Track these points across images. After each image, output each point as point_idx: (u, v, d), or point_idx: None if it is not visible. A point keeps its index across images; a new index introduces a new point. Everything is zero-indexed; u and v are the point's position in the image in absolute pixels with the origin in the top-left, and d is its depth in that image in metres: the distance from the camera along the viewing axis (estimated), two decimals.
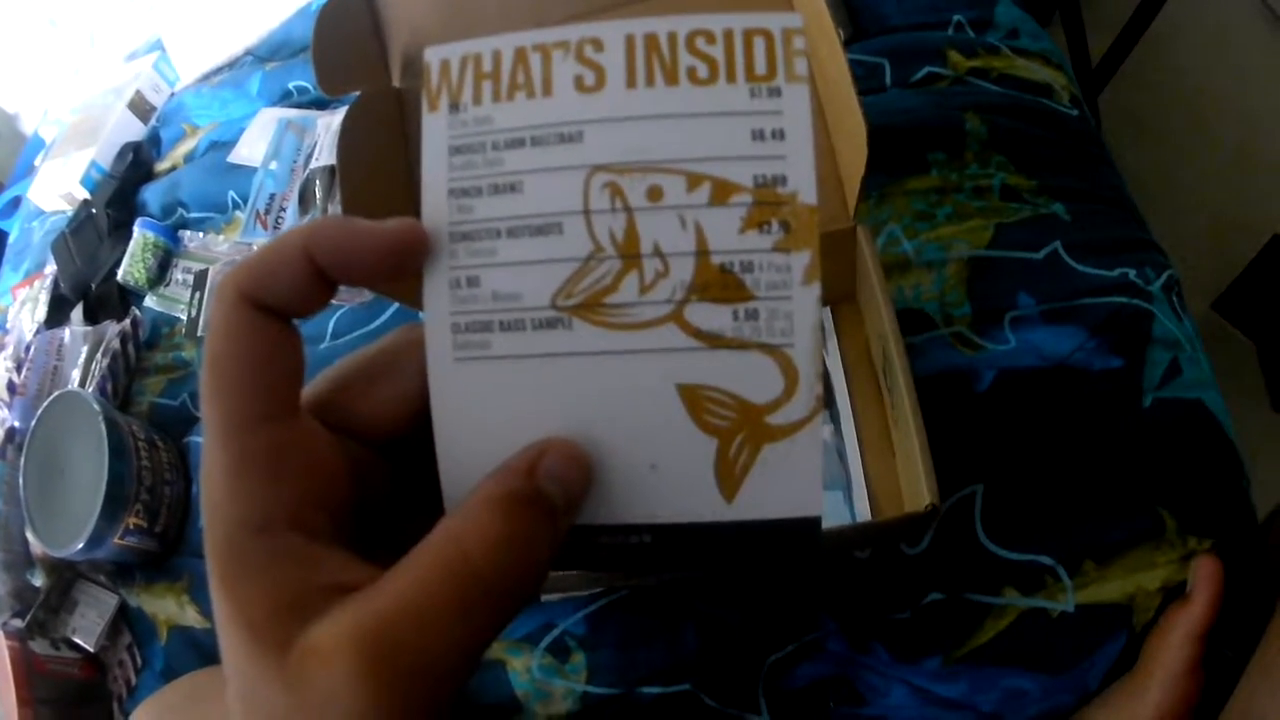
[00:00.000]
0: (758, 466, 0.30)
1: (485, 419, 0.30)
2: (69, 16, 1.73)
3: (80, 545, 0.95)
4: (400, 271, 0.30)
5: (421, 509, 0.30)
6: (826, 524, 0.69)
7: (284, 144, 1.23)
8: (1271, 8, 1.88)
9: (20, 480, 1.01)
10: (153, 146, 1.45)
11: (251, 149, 1.27)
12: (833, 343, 0.77)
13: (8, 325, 1.36)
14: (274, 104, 1.33)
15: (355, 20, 0.81)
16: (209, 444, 0.28)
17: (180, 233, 1.26)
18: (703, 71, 0.29)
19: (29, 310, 1.33)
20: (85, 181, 1.40)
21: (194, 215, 1.29)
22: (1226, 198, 1.72)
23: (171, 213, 1.31)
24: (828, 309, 0.79)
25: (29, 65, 1.80)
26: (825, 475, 0.72)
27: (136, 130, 1.47)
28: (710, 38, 0.29)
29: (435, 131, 0.31)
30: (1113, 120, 1.67)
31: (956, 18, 0.98)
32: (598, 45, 0.30)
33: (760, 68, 0.29)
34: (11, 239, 1.58)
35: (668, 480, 0.30)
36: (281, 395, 0.29)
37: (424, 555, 0.26)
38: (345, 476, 0.30)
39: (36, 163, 1.57)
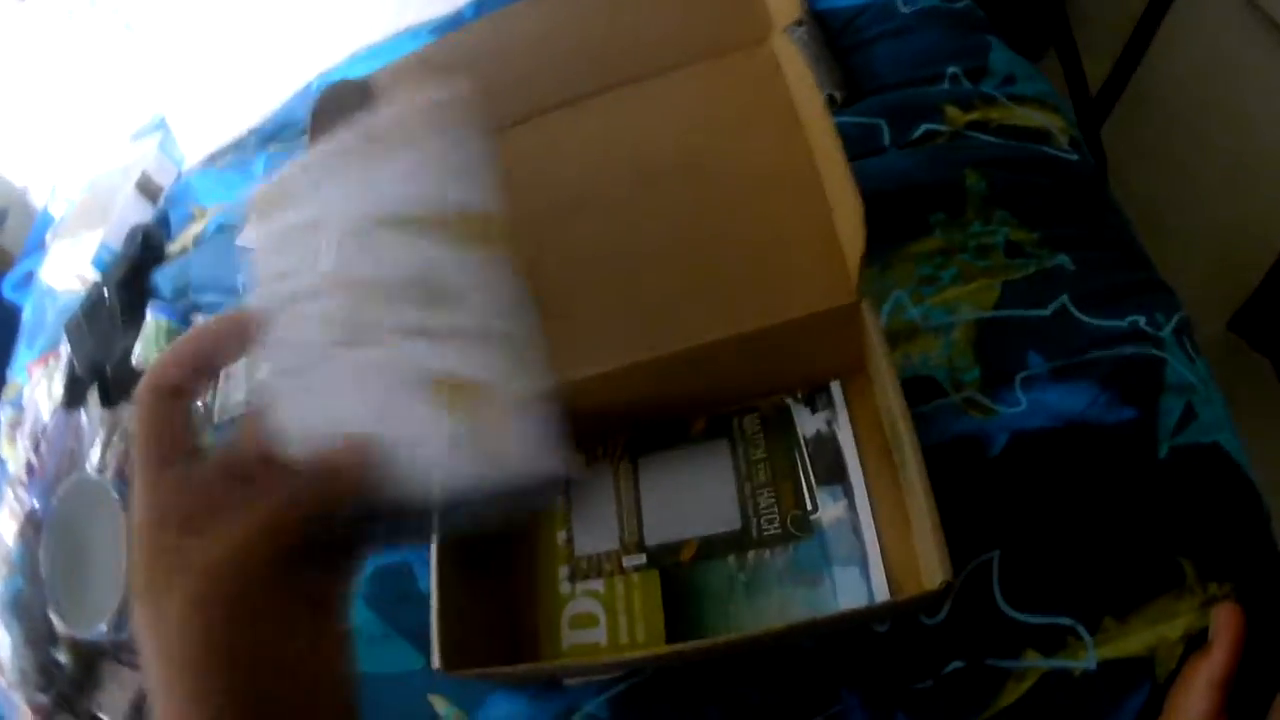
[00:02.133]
0: (497, 432, 0.39)
1: (311, 426, 0.42)
2: (72, 93, 1.74)
3: (103, 628, 0.95)
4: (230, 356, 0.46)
5: None
6: (845, 602, 0.70)
7: None
8: (1272, 18, 1.87)
9: (41, 561, 1.02)
10: (163, 228, 1.46)
11: None
12: (844, 416, 0.76)
13: (24, 403, 1.38)
14: None
15: (352, 113, 0.82)
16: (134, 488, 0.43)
17: (192, 317, 1.27)
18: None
19: (44, 388, 1.35)
20: (96, 263, 1.41)
21: (206, 299, 1.29)
22: (1235, 214, 1.71)
23: (183, 295, 1.31)
24: (837, 382, 0.78)
25: (37, 141, 1.81)
26: (840, 552, 0.72)
27: (144, 211, 1.48)
28: None
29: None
30: (1115, 144, 1.67)
31: (951, 69, 0.98)
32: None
33: None
34: (26, 316, 1.59)
35: (430, 453, 0.41)
36: (181, 442, 0.43)
37: (238, 521, 0.41)
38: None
39: (47, 239, 1.58)
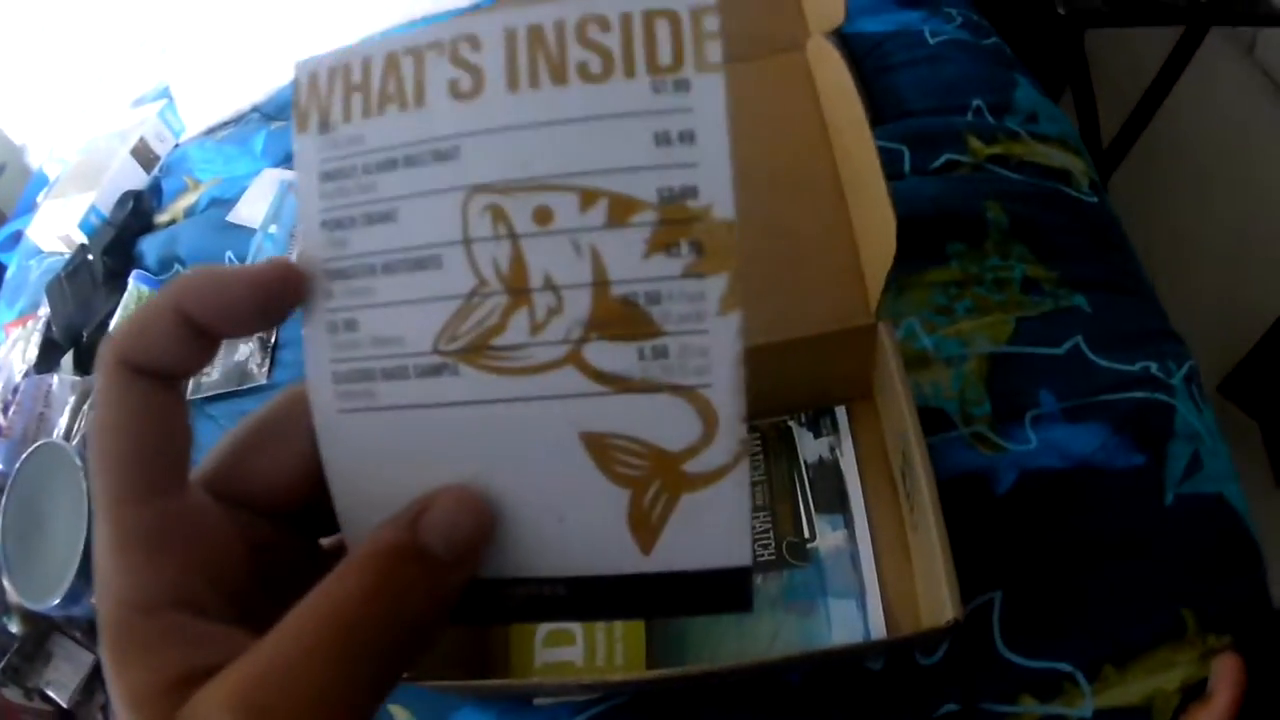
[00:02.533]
0: (676, 517, 0.26)
1: (379, 474, 0.27)
2: (79, 54, 1.72)
3: (56, 601, 0.93)
4: (276, 316, 0.27)
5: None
6: (839, 635, 0.68)
7: (285, 207, 1.22)
8: (1275, 80, 1.88)
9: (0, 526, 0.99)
10: (154, 197, 1.43)
11: (252, 209, 1.25)
12: (848, 443, 0.74)
13: None
14: (277, 164, 1.32)
15: None
16: (95, 519, 0.26)
17: None
18: (595, 66, 0.24)
19: (20, 350, 1.32)
20: (84, 226, 1.39)
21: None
22: (1230, 278, 1.72)
23: (168, 267, 1.29)
24: (842, 407, 0.76)
25: (38, 100, 1.78)
26: (837, 583, 0.69)
27: (138, 178, 1.46)
28: (604, 24, 0.24)
29: (306, 155, 0.27)
30: (1119, 198, 1.67)
31: (976, 102, 0.97)
32: (474, 43, 0.25)
33: (665, 57, 0.24)
34: (9, 275, 1.56)
35: (578, 532, 0.27)
36: (163, 467, 0.27)
37: (298, 614, 0.25)
38: (240, 551, 0.28)
39: (39, 199, 1.55)
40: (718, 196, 0.24)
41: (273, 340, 1.11)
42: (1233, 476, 0.74)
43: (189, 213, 1.37)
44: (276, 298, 0.27)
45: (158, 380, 0.26)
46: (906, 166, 0.93)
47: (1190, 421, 0.75)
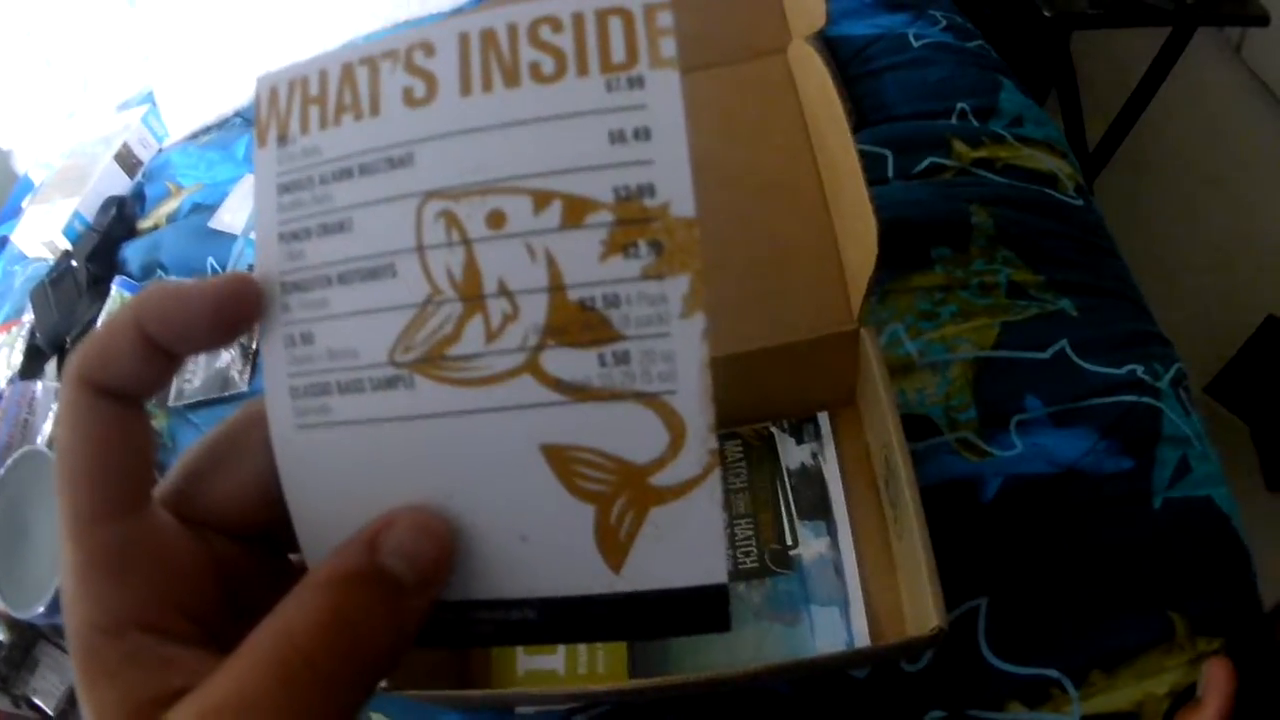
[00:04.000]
0: (645, 533, 0.25)
1: (338, 492, 0.27)
2: (65, 58, 1.71)
3: (41, 609, 0.92)
4: (233, 330, 0.27)
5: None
6: (824, 643, 0.67)
7: None
8: (1266, 84, 1.89)
9: None
10: (137, 202, 1.43)
11: (233, 216, 1.25)
12: (830, 450, 0.74)
13: None
14: None
15: None
16: (61, 541, 0.26)
17: None
18: (548, 67, 0.24)
19: (4, 357, 1.31)
20: (67, 232, 1.38)
21: (172, 278, 1.26)
22: (1216, 280, 1.72)
23: (150, 273, 1.28)
24: (825, 414, 0.76)
25: (24, 104, 1.78)
26: (821, 591, 0.69)
27: (121, 184, 1.45)
28: (557, 25, 0.24)
29: (264, 169, 0.27)
30: (1104, 202, 1.67)
31: (960, 105, 0.97)
32: (428, 50, 0.25)
33: (618, 55, 0.24)
34: None
35: (543, 552, 0.26)
36: (126, 488, 0.26)
37: (253, 642, 0.24)
38: (205, 571, 0.27)
39: (24, 204, 1.55)
40: (676, 194, 0.24)
41: (254, 346, 1.10)
42: (1221, 480, 0.74)
43: (171, 219, 1.36)
44: (233, 312, 0.26)
45: (119, 400, 0.26)
46: (890, 171, 0.93)
47: (1178, 425, 0.75)
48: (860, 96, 1.00)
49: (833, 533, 0.71)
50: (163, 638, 0.26)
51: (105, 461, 0.26)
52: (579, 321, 0.24)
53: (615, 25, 0.24)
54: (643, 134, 0.24)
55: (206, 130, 1.46)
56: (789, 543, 0.71)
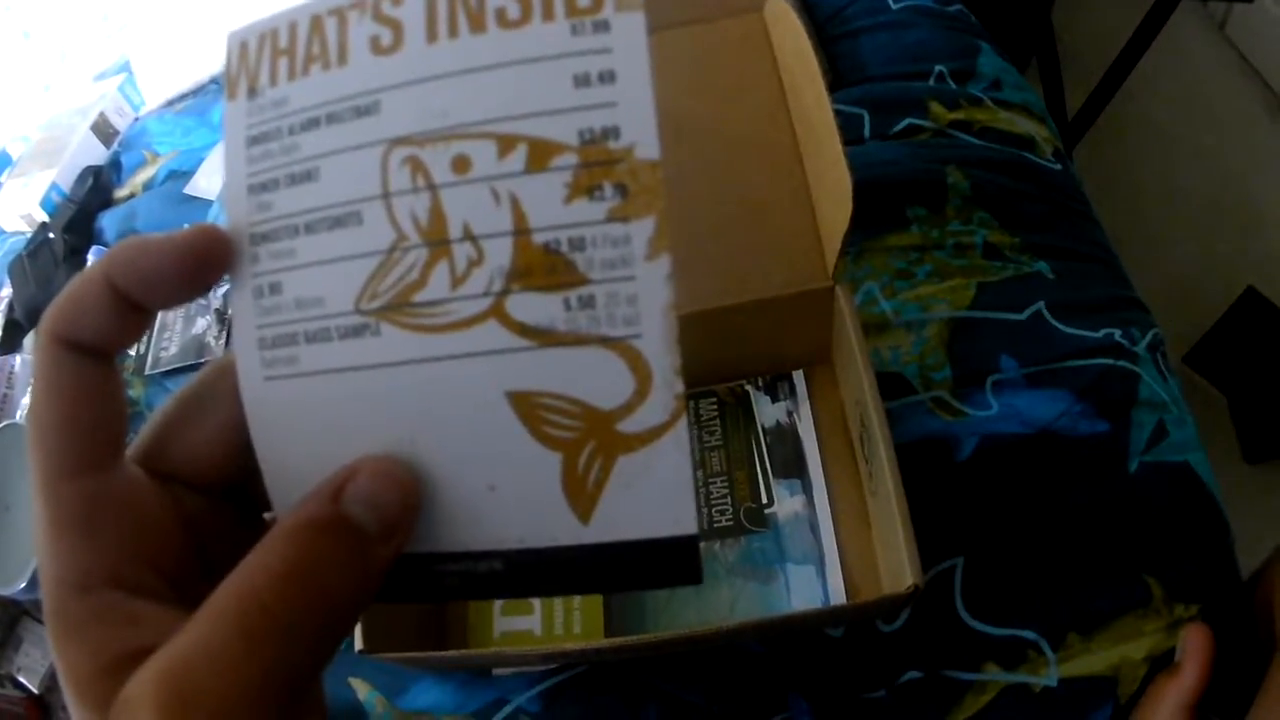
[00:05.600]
0: (613, 482, 0.25)
1: (306, 443, 0.27)
2: (43, 30, 1.70)
3: (22, 585, 0.91)
4: (203, 282, 0.27)
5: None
6: (799, 602, 0.67)
7: None
8: (1246, 58, 1.89)
9: None
10: (114, 172, 1.41)
11: (209, 181, 1.24)
12: (806, 408, 0.74)
13: None
14: None
15: None
16: (33, 498, 0.26)
17: None
18: (514, 11, 0.24)
19: None
20: (45, 204, 1.37)
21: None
22: (1196, 251, 1.73)
23: None
24: (800, 372, 0.76)
25: (1, 78, 1.76)
26: (796, 549, 0.69)
27: (98, 154, 1.44)
28: None
29: (233, 122, 0.27)
30: (1084, 173, 1.67)
31: (938, 68, 0.96)
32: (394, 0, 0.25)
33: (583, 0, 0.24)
34: None
35: (510, 502, 0.26)
36: (98, 443, 0.26)
37: (220, 594, 0.24)
38: (176, 527, 0.28)
39: (1, 179, 1.53)
40: (641, 136, 0.24)
41: (230, 312, 1.09)
42: (1199, 446, 0.73)
43: (147, 186, 1.35)
44: (203, 264, 0.26)
45: (91, 355, 0.26)
46: (867, 131, 0.92)
47: (1155, 390, 0.75)
48: (837, 56, 0.99)
49: (808, 491, 0.71)
50: (131, 594, 0.26)
51: (76, 416, 0.26)
52: (544, 265, 0.24)
53: None
54: (607, 77, 0.24)
55: (183, 97, 1.45)
56: (764, 501, 0.71)
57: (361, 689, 0.77)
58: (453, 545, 0.27)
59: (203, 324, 1.09)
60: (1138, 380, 0.75)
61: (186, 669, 0.23)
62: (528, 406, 0.25)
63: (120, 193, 1.38)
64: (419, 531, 0.26)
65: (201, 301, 1.11)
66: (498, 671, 0.73)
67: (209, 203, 1.20)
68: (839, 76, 0.97)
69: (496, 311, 0.25)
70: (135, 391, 1.11)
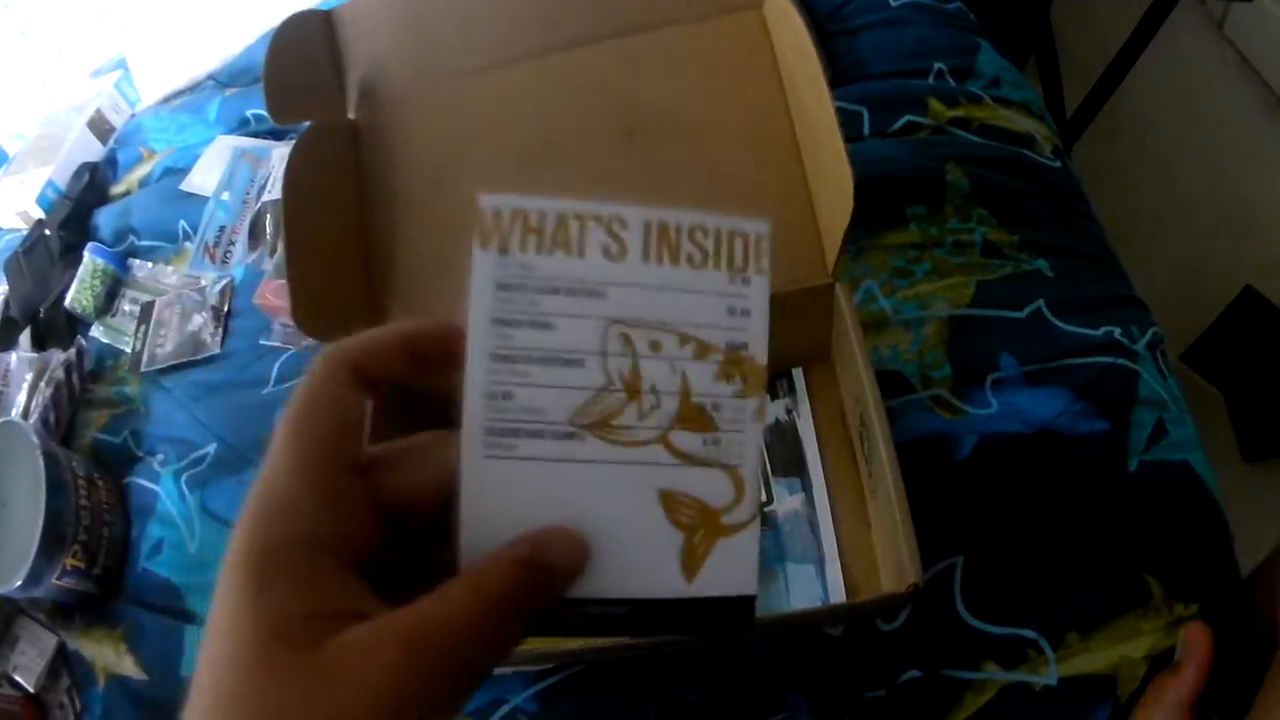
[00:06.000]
0: (714, 555, 0.37)
1: (505, 506, 0.36)
2: (40, 28, 1.69)
3: (18, 583, 0.90)
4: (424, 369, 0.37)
5: (419, 583, 0.34)
6: (798, 601, 0.67)
7: (237, 174, 1.20)
8: (1244, 57, 1.89)
9: None
10: (110, 168, 1.41)
11: (205, 177, 1.23)
12: (805, 406, 0.73)
13: None
14: (231, 131, 1.30)
15: (313, 46, 0.77)
16: (278, 467, 0.33)
17: (130, 261, 1.23)
18: (698, 259, 0.36)
19: None
20: (41, 200, 1.37)
21: (144, 243, 1.25)
22: (1194, 250, 1.72)
23: (123, 239, 1.27)
24: (800, 369, 0.75)
25: None
26: (796, 548, 0.69)
27: (95, 150, 1.44)
28: (705, 233, 0.36)
29: (485, 267, 0.36)
30: (1081, 171, 1.67)
31: (938, 65, 0.96)
32: (623, 223, 0.37)
33: (738, 261, 0.37)
34: None
35: (644, 564, 0.36)
36: (354, 451, 0.35)
37: (457, 587, 0.32)
38: (375, 532, 0.35)
39: None
40: (758, 351, 0.37)
41: (225, 309, 1.10)
42: (1198, 445, 0.73)
43: (143, 183, 1.35)
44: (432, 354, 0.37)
45: (372, 387, 0.36)
46: (866, 128, 0.92)
47: (1155, 388, 0.74)
48: (836, 54, 0.99)
49: (807, 489, 0.70)
50: (343, 567, 0.32)
51: (348, 425, 0.35)
52: (695, 416, 0.37)
53: (739, 242, 0.36)
54: (745, 312, 0.37)
55: (179, 94, 1.45)
56: (763, 499, 0.71)
57: None
58: (599, 593, 0.36)
59: (199, 321, 1.09)
60: (1137, 379, 0.75)
61: (431, 631, 0.30)
62: (670, 500, 0.37)
63: (116, 189, 1.38)
64: (577, 581, 0.36)
65: (197, 297, 1.11)
66: (497, 670, 0.72)
67: (204, 199, 1.19)
68: (838, 74, 0.97)
69: (663, 440, 0.37)
70: (131, 389, 1.10)
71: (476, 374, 0.37)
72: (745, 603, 0.37)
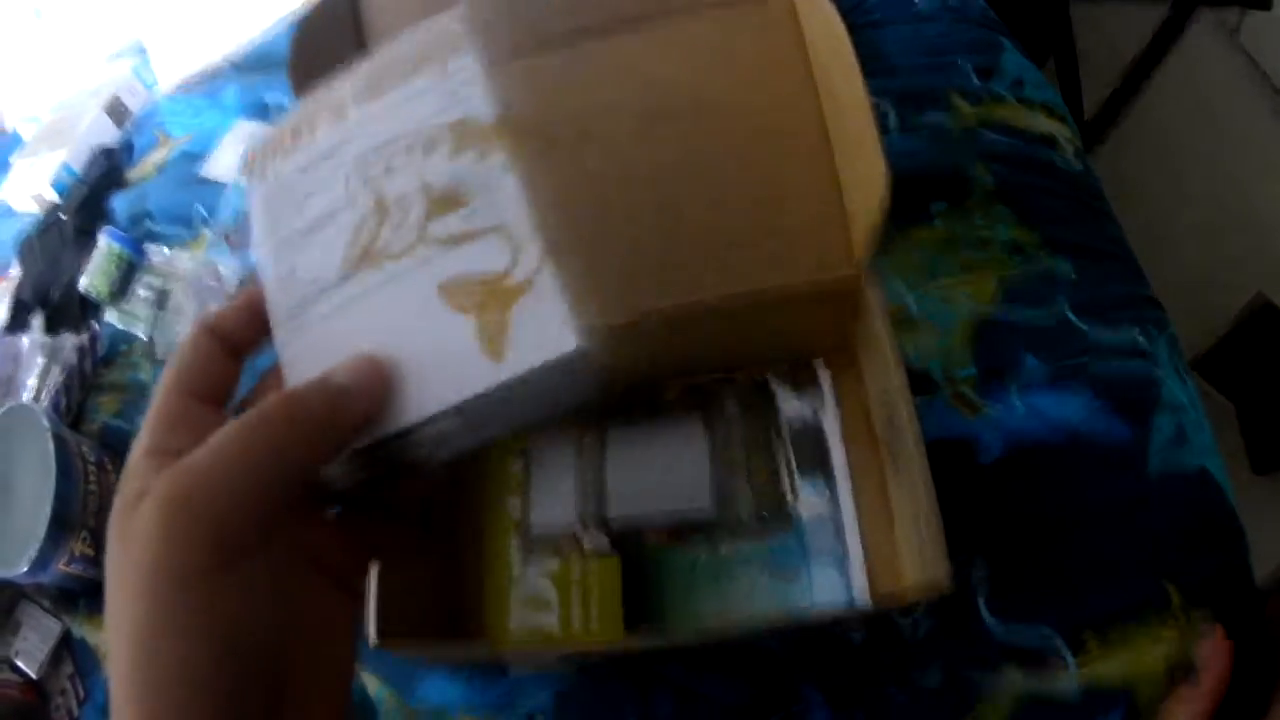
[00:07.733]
0: (514, 325, 0.36)
1: (314, 359, 0.38)
2: (55, 9, 1.69)
3: (25, 568, 0.90)
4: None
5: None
6: (822, 600, 0.66)
7: None
8: (1262, 69, 1.88)
9: None
10: (125, 153, 1.41)
11: (223, 164, 1.23)
12: (830, 403, 0.72)
13: None
14: (249, 117, 1.30)
15: (338, 29, 0.77)
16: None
17: (145, 245, 1.22)
18: (410, 72, 0.42)
19: None
20: (56, 184, 1.37)
21: (160, 228, 1.25)
22: (1206, 259, 1.72)
23: (138, 223, 1.27)
24: (824, 367, 0.75)
25: (12, 58, 1.75)
26: (820, 547, 0.68)
27: (111, 134, 1.44)
28: (409, 61, 0.43)
29: (252, 194, 0.44)
30: (1098, 174, 1.67)
31: (962, 63, 0.96)
32: (341, 97, 0.43)
33: (444, 53, 0.42)
34: None
35: (450, 366, 0.36)
36: (203, 383, 0.40)
37: (218, 435, 0.34)
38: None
39: (12, 159, 1.53)
40: (483, 112, 0.40)
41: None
42: (1216, 451, 0.73)
43: (160, 168, 1.34)
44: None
45: (222, 339, 0.41)
46: (890, 123, 0.92)
47: (1175, 392, 0.74)
48: (859, 48, 0.98)
49: (831, 488, 0.70)
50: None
51: (196, 362, 0.40)
52: (445, 199, 0.39)
53: (443, 40, 0.43)
54: (462, 86, 0.41)
55: (196, 79, 1.45)
56: (787, 497, 0.70)
57: (371, 684, 0.77)
58: (424, 413, 0.36)
59: (214, 309, 1.09)
60: (1158, 382, 0.74)
61: (185, 476, 0.33)
62: (448, 290, 0.37)
63: (132, 174, 1.38)
64: (394, 414, 0.37)
65: (214, 284, 1.10)
66: (515, 671, 0.72)
67: (222, 186, 1.19)
68: (861, 66, 0.96)
69: (421, 237, 0.38)
70: (144, 374, 1.10)
71: (266, 267, 0.41)
72: (575, 360, 0.36)
